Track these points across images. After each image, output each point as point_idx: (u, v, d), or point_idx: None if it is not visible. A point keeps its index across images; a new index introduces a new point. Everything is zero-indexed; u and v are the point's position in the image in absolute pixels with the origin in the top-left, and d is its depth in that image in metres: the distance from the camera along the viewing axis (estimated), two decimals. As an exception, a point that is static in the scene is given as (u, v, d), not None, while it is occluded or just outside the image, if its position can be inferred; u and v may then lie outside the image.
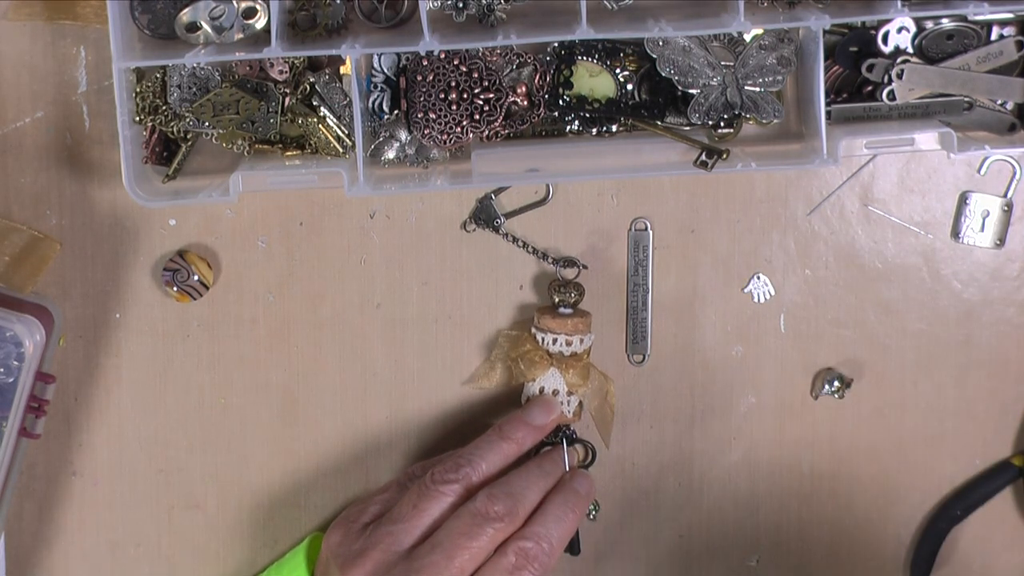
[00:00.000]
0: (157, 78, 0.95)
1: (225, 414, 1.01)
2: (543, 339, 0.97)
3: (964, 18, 0.94)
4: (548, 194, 0.99)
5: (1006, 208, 0.99)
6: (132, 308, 1.00)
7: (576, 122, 0.96)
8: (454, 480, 0.92)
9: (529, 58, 0.95)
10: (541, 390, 0.97)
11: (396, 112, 0.95)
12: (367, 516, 0.94)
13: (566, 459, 0.96)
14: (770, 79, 0.94)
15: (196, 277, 0.98)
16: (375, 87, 0.95)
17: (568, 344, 0.97)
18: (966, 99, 0.95)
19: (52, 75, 0.98)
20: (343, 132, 0.96)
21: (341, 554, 0.91)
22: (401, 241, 0.99)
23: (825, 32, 0.91)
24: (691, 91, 0.94)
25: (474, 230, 0.99)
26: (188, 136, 0.96)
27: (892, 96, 0.95)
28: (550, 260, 0.99)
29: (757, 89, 0.94)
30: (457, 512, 0.90)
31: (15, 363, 0.92)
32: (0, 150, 0.98)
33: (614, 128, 0.96)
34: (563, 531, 0.91)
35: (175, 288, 0.98)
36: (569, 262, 0.99)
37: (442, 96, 0.94)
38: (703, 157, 0.94)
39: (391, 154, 0.95)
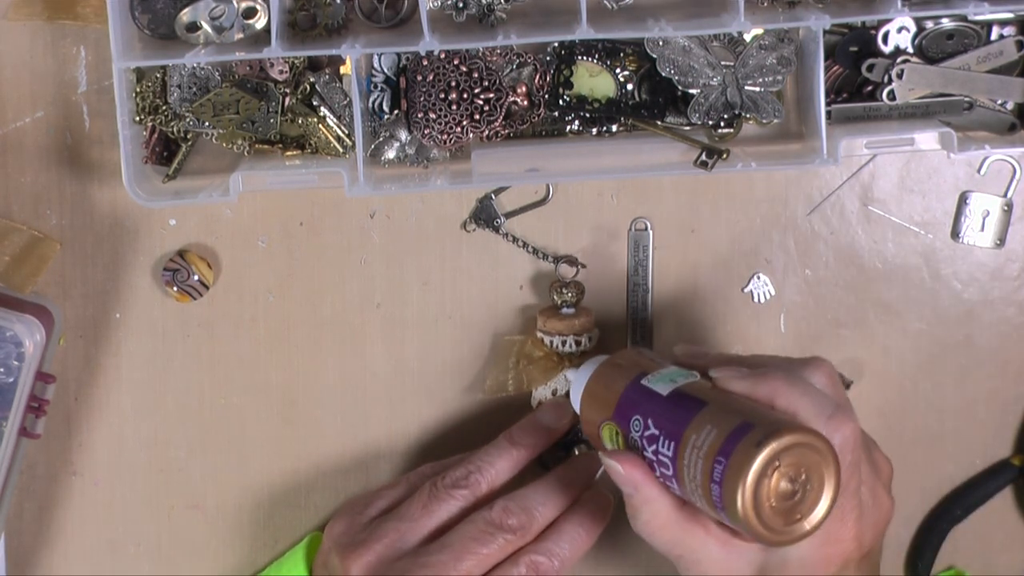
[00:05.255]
0: (157, 78, 0.95)
1: (225, 414, 1.01)
2: (551, 342, 0.97)
3: (964, 18, 0.94)
4: (548, 194, 0.99)
5: (1006, 208, 0.99)
6: (132, 308, 1.00)
7: (576, 122, 0.96)
8: (464, 486, 0.92)
9: (529, 58, 0.95)
10: (554, 392, 0.97)
11: (396, 112, 0.95)
12: (373, 510, 0.94)
13: (596, 473, 0.95)
14: (770, 79, 0.94)
15: (196, 277, 0.98)
16: (375, 87, 0.95)
17: (577, 344, 0.97)
18: (966, 99, 0.95)
19: (52, 75, 0.98)
20: (343, 132, 0.96)
21: (344, 543, 0.92)
22: (401, 241, 0.99)
23: (825, 32, 0.91)
24: (691, 91, 0.94)
25: (474, 230, 0.99)
26: (188, 136, 0.96)
27: (892, 96, 0.95)
28: (550, 259, 0.99)
29: (757, 89, 0.94)
30: (471, 517, 0.91)
31: (15, 363, 0.92)
32: (0, 150, 0.98)
33: (614, 128, 0.96)
34: (575, 550, 0.91)
35: (175, 288, 0.98)
36: (567, 260, 0.99)
37: (442, 96, 0.94)
38: (703, 157, 0.94)
39: (391, 154, 0.95)
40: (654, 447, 0.81)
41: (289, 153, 0.96)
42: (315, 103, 0.95)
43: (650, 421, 0.82)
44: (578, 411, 0.89)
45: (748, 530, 0.76)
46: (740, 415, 0.78)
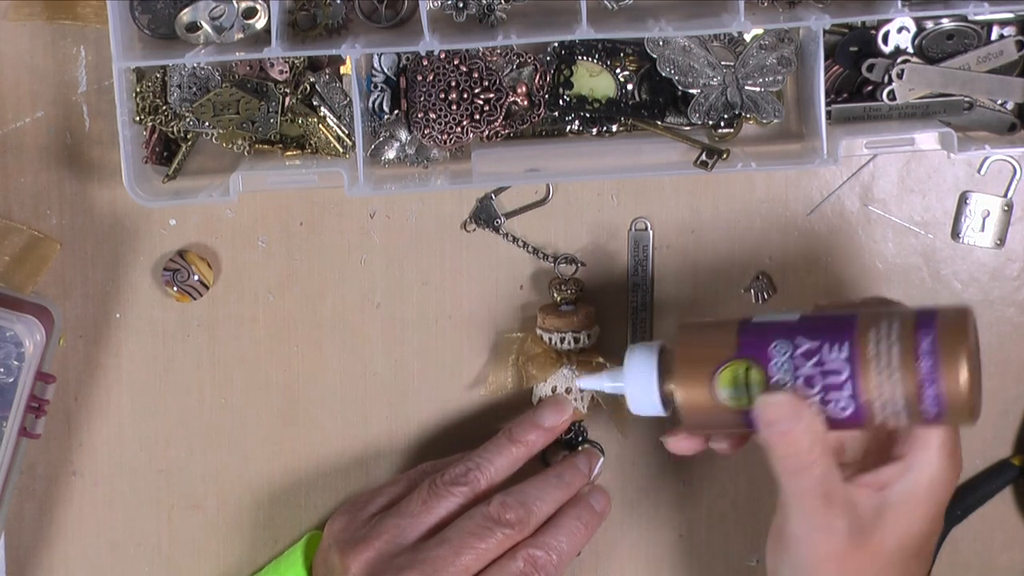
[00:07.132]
0: (157, 78, 0.95)
1: (225, 414, 1.01)
2: (551, 339, 0.97)
3: (964, 18, 0.94)
4: (548, 194, 0.99)
5: (1006, 208, 0.99)
6: (132, 308, 1.00)
7: (576, 122, 0.96)
8: (463, 483, 0.92)
9: (529, 58, 0.95)
10: (554, 389, 0.97)
11: (396, 112, 0.95)
12: (374, 506, 0.94)
13: (595, 470, 0.97)
14: (770, 79, 0.94)
15: (196, 277, 0.98)
16: (375, 87, 0.95)
17: (576, 341, 0.97)
18: (966, 99, 0.95)
19: (52, 75, 0.98)
20: (343, 132, 0.96)
21: (343, 540, 0.92)
22: (401, 241, 0.99)
23: (825, 32, 0.91)
24: (691, 91, 0.94)
25: (474, 230, 0.99)
26: (188, 136, 0.96)
27: (892, 96, 0.95)
28: (549, 257, 0.99)
29: (757, 89, 0.94)
30: (469, 512, 0.91)
31: (15, 363, 0.92)
32: (0, 150, 0.99)
33: (614, 128, 0.96)
34: (573, 545, 0.92)
35: (175, 288, 0.98)
36: (567, 259, 0.99)
37: (442, 96, 0.94)
38: (703, 157, 0.94)
39: (391, 154, 0.95)
40: (815, 359, 0.80)
41: (289, 153, 0.97)
42: (315, 103, 0.95)
43: (801, 338, 0.81)
44: (638, 395, 0.86)
45: (962, 402, 0.77)
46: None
